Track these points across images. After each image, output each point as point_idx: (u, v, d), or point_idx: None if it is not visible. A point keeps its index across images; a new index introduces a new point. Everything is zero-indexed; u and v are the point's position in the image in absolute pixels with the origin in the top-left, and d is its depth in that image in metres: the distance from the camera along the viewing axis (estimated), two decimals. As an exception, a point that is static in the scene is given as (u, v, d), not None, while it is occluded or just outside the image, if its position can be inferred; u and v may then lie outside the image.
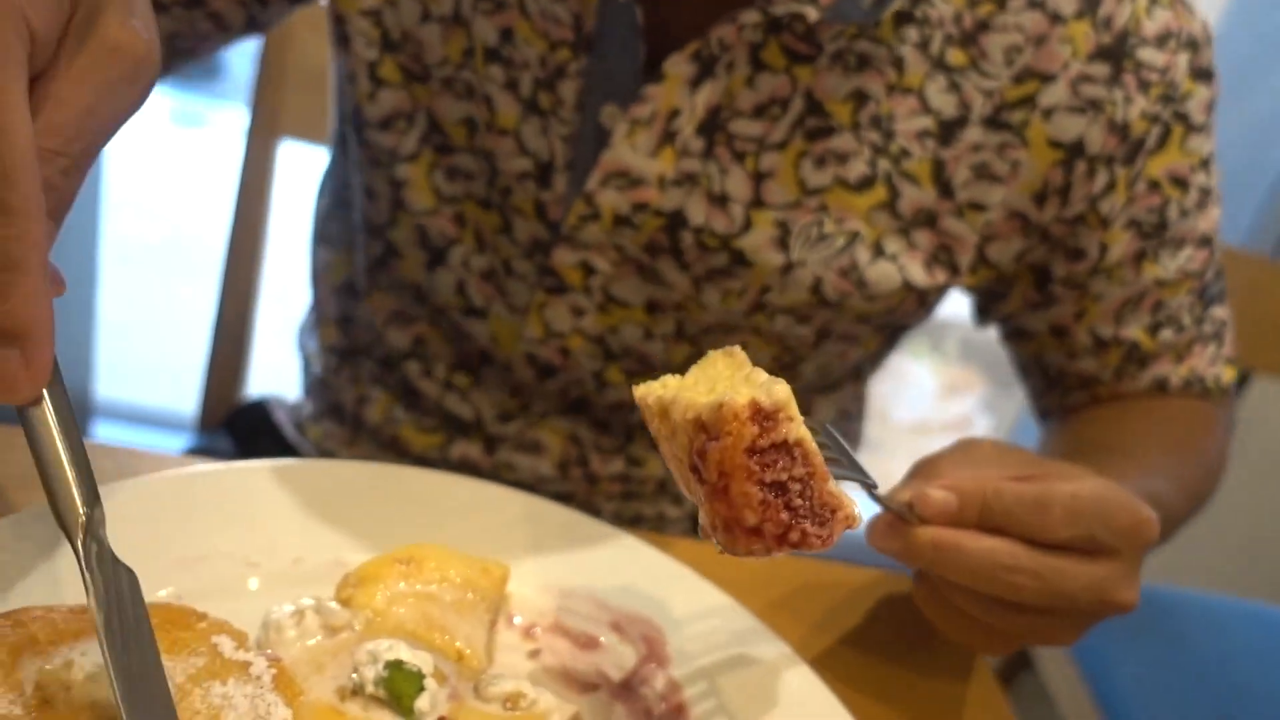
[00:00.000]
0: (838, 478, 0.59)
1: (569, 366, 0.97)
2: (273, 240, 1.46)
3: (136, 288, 3.09)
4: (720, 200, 0.85)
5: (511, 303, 0.95)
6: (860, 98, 0.82)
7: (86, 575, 0.48)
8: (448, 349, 1.01)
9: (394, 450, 1.05)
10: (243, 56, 1.09)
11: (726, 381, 0.55)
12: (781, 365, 0.96)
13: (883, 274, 0.88)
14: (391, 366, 1.05)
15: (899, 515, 0.66)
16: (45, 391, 0.47)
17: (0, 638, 0.50)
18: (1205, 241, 0.94)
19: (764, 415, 0.51)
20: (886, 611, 0.82)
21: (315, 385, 1.15)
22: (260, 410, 1.24)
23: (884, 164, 0.84)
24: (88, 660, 0.49)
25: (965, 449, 0.71)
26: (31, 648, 0.50)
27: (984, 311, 1.02)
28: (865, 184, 0.84)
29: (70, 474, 0.48)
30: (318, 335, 1.12)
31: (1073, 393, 1.01)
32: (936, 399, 2.62)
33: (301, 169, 1.70)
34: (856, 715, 0.65)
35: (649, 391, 0.57)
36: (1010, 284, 0.95)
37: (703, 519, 0.56)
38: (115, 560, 0.49)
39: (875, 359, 1.10)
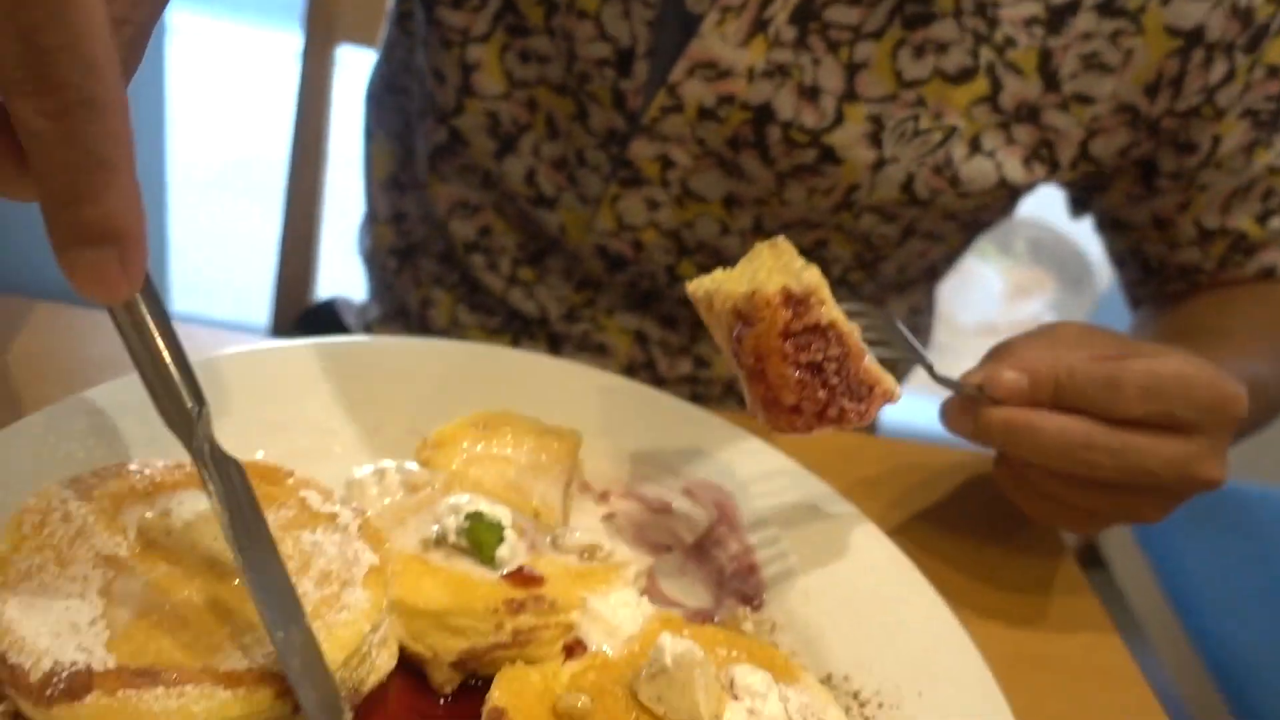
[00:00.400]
0: (892, 360, 0.62)
1: (641, 260, 0.95)
2: (335, 147, 1.47)
3: (204, 209, 3.15)
4: (811, 93, 0.81)
5: (583, 193, 0.93)
6: None
7: (204, 473, 0.48)
8: (514, 238, 1.00)
9: None
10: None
11: (767, 271, 0.56)
12: (862, 263, 0.94)
13: (978, 171, 0.84)
14: (453, 263, 1.04)
15: (967, 396, 0.65)
16: (139, 294, 0.46)
17: (103, 486, 0.53)
18: None
19: (796, 300, 0.53)
20: (971, 492, 0.82)
21: (380, 288, 1.16)
22: (330, 311, 1.26)
23: (987, 54, 0.79)
24: (185, 509, 0.52)
25: (1048, 332, 0.69)
26: (132, 496, 0.53)
27: (1080, 204, 0.98)
28: (966, 75, 0.80)
29: (175, 374, 0.48)
30: (373, 237, 1.13)
31: (1172, 282, 0.97)
32: (1004, 301, 2.58)
33: (359, 76, 1.70)
34: (934, 583, 0.66)
35: (699, 285, 0.58)
36: (1111, 178, 0.91)
37: (749, 401, 0.58)
38: (225, 455, 0.49)
39: (951, 258, 1.07)
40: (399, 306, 1.10)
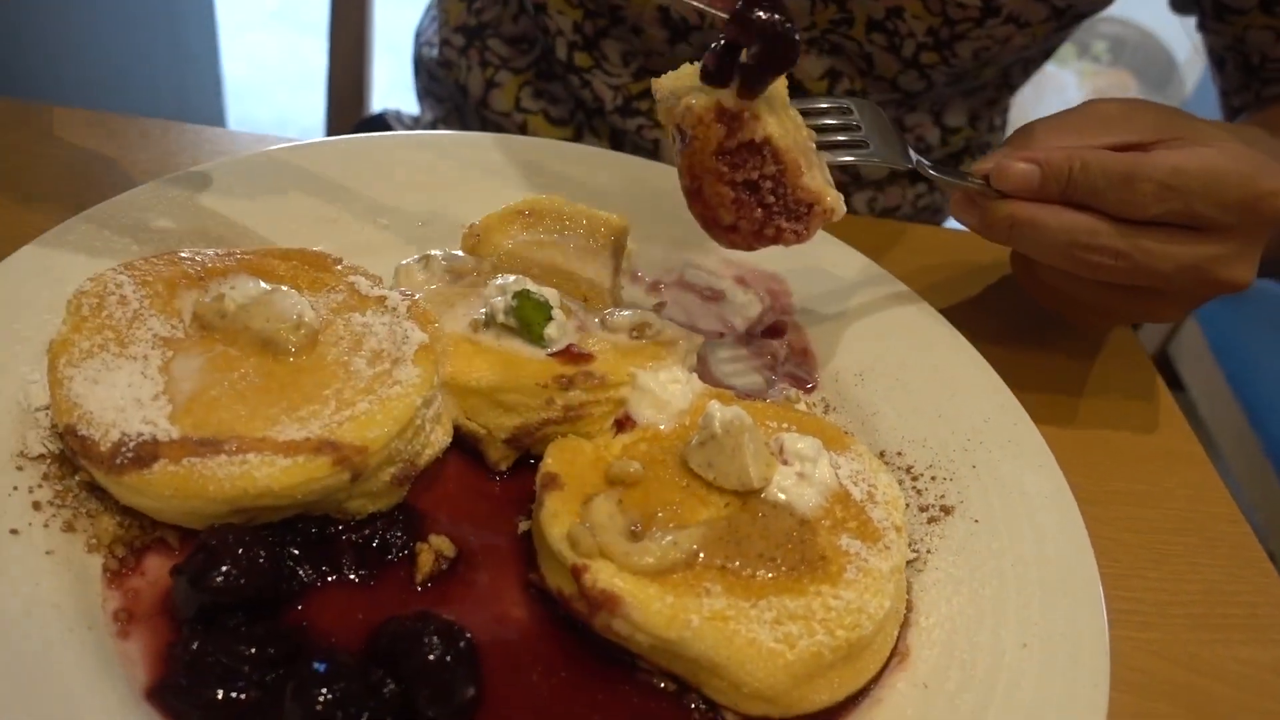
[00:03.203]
0: (866, 160, 0.60)
1: (704, 26, 0.90)
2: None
3: (257, 45, 3.12)
4: None
5: None
6: None
7: None
8: (574, 14, 0.95)
9: None
10: None
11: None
12: (937, 41, 0.87)
13: None
14: (521, 42, 1.01)
15: (968, 190, 0.62)
16: None
17: (155, 272, 0.53)
18: None
19: (729, 116, 0.51)
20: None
21: (434, 80, 1.13)
22: (381, 124, 1.25)
23: None
24: (238, 293, 0.52)
25: (1083, 111, 0.64)
26: (185, 281, 0.53)
27: None
28: None
29: None
30: (444, 15, 1.09)
31: (1271, 84, 0.90)
32: (1082, 107, 2.45)
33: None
34: (993, 364, 0.65)
35: (662, 84, 0.55)
36: None
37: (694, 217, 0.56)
38: None
39: (1030, 64, 1.01)
40: (459, 88, 1.07)
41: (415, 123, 1.19)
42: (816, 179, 0.54)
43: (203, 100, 2.28)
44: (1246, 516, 0.65)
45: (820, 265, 0.70)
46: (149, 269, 0.53)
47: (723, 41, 0.51)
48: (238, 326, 0.51)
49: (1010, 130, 1.22)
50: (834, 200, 0.54)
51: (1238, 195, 0.59)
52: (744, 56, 0.50)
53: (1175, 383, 1.98)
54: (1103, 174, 0.59)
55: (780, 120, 0.53)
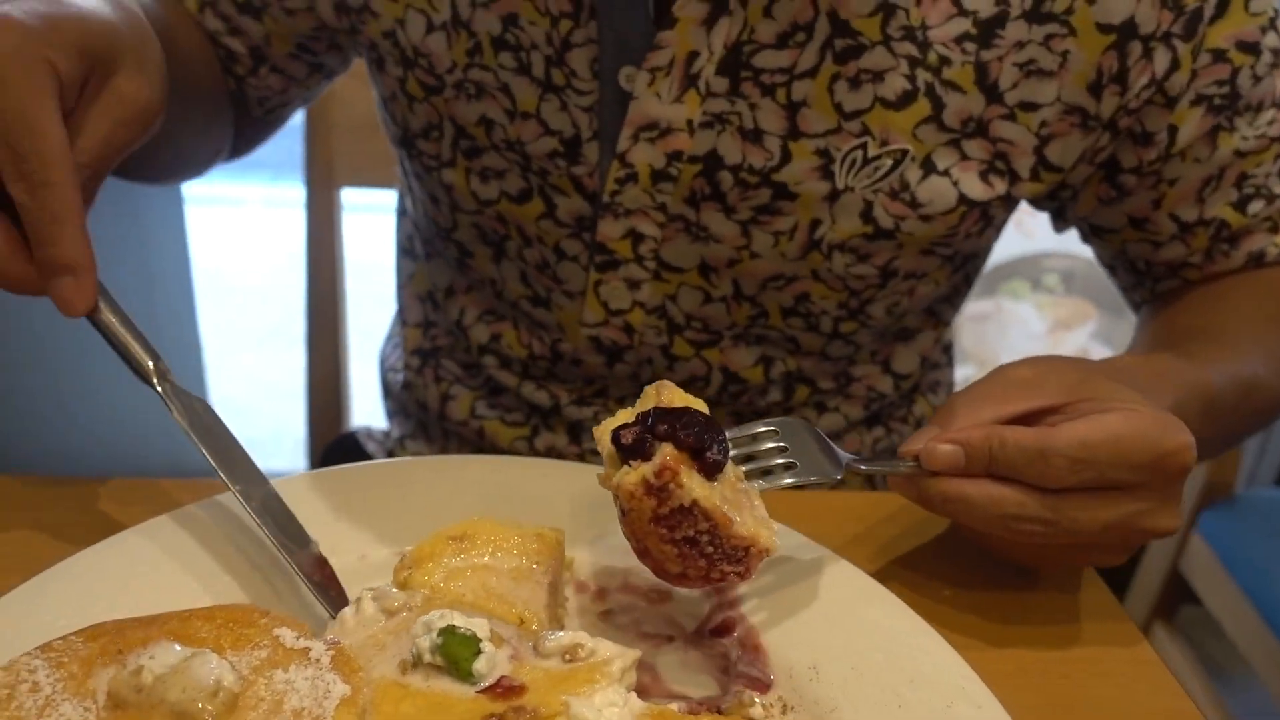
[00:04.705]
0: (796, 481, 0.65)
1: (635, 345, 0.96)
2: (351, 283, 1.52)
3: (240, 363, 3.25)
4: (754, 135, 0.83)
5: (568, 289, 0.95)
6: (888, 9, 0.78)
7: (169, 403, 0.66)
8: (523, 346, 1.02)
9: (481, 449, 1.07)
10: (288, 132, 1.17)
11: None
12: (849, 311, 0.94)
13: (936, 191, 0.84)
14: (472, 367, 1.07)
15: (903, 475, 0.67)
16: (101, 302, 0.65)
17: (71, 652, 0.53)
18: None
19: (656, 489, 0.56)
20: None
21: (398, 402, 1.18)
22: (352, 442, 1.28)
23: (923, 75, 0.80)
24: (156, 663, 0.51)
25: (996, 379, 0.69)
26: (103, 658, 0.53)
27: (1058, 216, 0.97)
28: (906, 99, 0.81)
29: (133, 341, 0.67)
30: (402, 340, 1.16)
31: (1162, 281, 0.95)
32: (1047, 337, 2.52)
33: (366, 214, 1.75)
34: (946, 633, 0.63)
35: (604, 431, 0.60)
36: (1078, 185, 0.90)
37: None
38: (186, 392, 0.67)
39: (950, 300, 1.06)
40: (419, 406, 1.12)
41: (386, 437, 1.23)
42: (747, 523, 0.58)
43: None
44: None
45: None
46: (65, 648, 0.53)
47: (636, 420, 0.58)
48: (154, 700, 0.50)
49: (984, 366, 1.25)
50: (767, 539, 0.59)
51: (1144, 458, 0.62)
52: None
53: (1191, 597, 1.92)
54: (1019, 452, 0.63)
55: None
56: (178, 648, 0.52)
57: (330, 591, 0.64)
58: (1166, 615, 2.02)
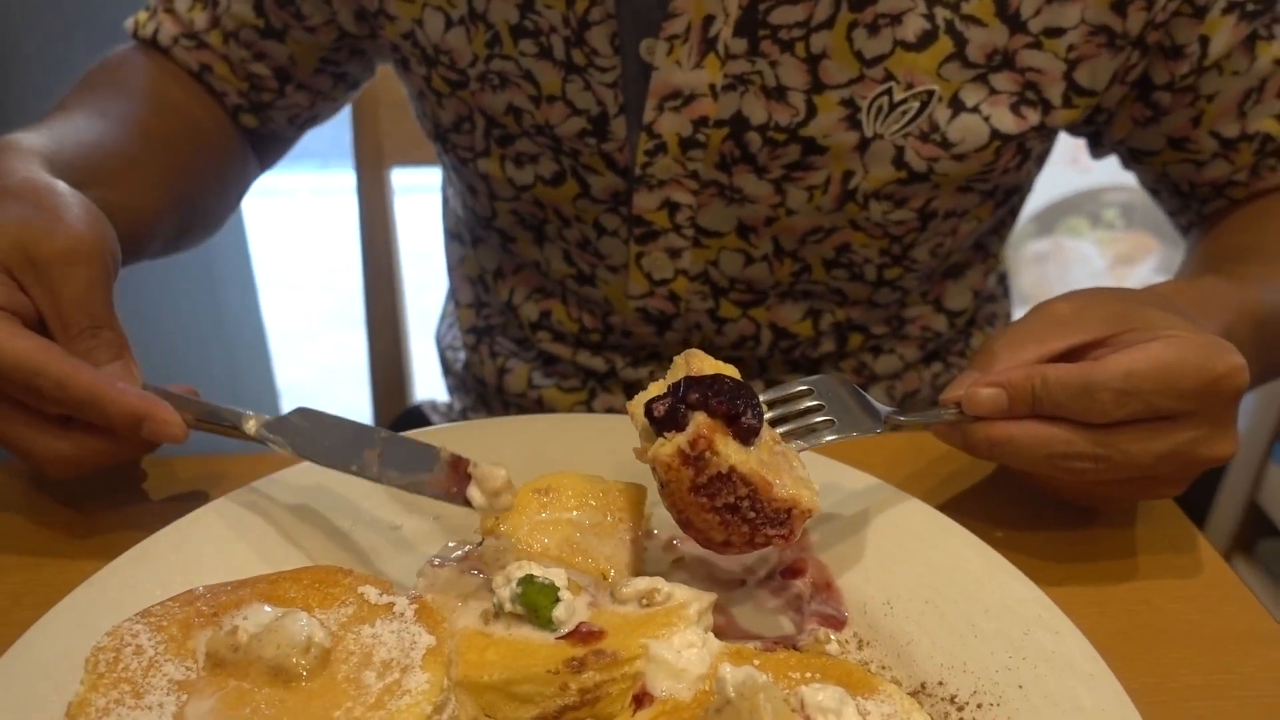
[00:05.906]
0: (835, 437, 0.65)
1: (682, 311, 0.97)
2: (405, 263, 1.54)
3: (302, 349, 3.31)
4: (778, 93, 0.82)
5: (611, 264, 0.96)
6: None
7: (270, 445, 0.68)
8: (573, 321, 1.03)
9: None
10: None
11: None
12: (892, 258, 0.93)
13: (967, 129, 0.83)
14: (525, 342, 1.09)
15: (946, 423, 0.66)
16: (182, 415, 0.67)
17: (170, 616, 0.55)
18: None
19: (693, 459, 0.55)
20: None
21: (458, 378, 1.19)
22: (419, 415, 1.30)
23: (942, 13, 0.79)
24: (250, 623, 0.53)
25: (1036, 316, 0.68)
26: (199, 620, 0.55)
27: (1095, 142, 0.95)
28: (927, 40, 0.80)
29: (220, 416, 0.70)
30: (456, 320, 1.17)
31: (1209, 202, 0.93)
32: (1109, 274, 2.47)
33: (417, 195, 1.77)
34: (1020, 566, 0.63)
35: (634, 410, 0.60)
36: (1113, 107, 0.88)
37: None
38: (279, 418, 0.68)
39: (997, 232, 1.04)
40: (477, 382, 1.13)
41: (450, 409, 1.25)
42: (787, 485, 0.57)
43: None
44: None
45: (833, 493, 0.70)
46: (164, 613, 0.55)
47: (668, 391, 0.57)
48: (250, 658, 0.52)
49: (1014, 292, 1.23)
50: (809, 499, 0.58)
51: (1193, 384, 0.60)
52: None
53: (1270, 530, 1.88)
54: (1062, 389, 0.61)
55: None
56: (268, 608, 0.54)
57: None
58: (1245, 548, 1.99)
